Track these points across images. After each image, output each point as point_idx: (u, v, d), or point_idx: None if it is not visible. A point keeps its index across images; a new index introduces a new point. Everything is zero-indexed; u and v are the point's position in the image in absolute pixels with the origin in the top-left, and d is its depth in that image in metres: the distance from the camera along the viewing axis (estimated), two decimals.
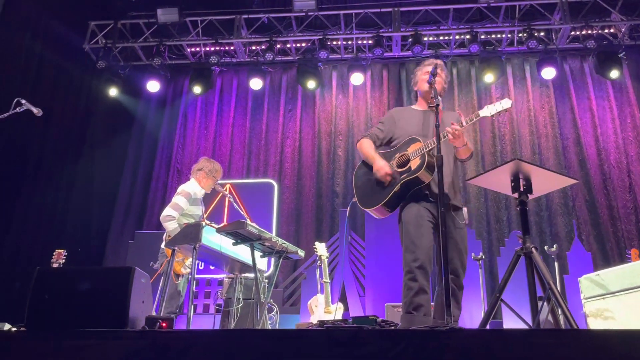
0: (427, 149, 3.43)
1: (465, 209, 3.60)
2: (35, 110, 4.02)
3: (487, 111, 3.33)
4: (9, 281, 7.72)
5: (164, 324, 2.55)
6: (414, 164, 3.49)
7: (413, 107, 3.94)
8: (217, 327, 5.50)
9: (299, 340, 2.26)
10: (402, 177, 3.52)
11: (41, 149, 8.88)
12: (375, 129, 3.92)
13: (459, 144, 3.48)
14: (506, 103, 3.27)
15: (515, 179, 3.01)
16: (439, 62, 3.67)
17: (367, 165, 3.80)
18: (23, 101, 3.96)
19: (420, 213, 3.46)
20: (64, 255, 5.33)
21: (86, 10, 9.21)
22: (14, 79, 8.95)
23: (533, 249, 2.88)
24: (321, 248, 5.96)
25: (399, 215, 3.62)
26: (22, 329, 2.57)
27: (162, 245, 5.19)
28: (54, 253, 5.35)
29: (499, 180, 3.10)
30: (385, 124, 3.90)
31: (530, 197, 3.02)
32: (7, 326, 4.00)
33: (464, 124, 3.40)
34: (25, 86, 8.90)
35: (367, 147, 3.81)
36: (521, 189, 3.00)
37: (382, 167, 3.61)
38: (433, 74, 3.46)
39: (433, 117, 3.63)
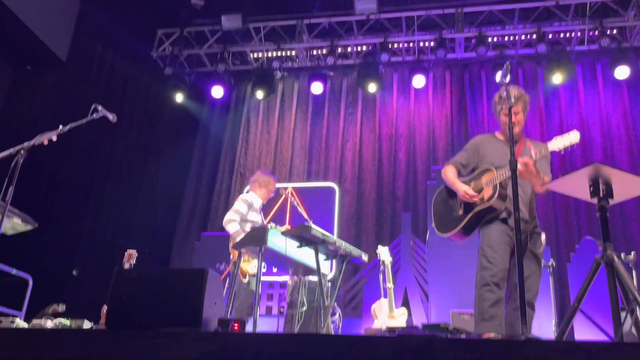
0: (499, 180, 3.53)
1: (543, 235, 3.61)
2: (110, 116, 4.19)
3: (556, 145, 3.41)
4: (83, 279, 8.09)
5: (236, 326, 2.59)
6: (486, 193, 3.61)
7: (496, 135, 3.99)
8: (280, 329, 5.55)
9: (371, 347, 2.24)
10: (475, 206, 3.66)
11: (110, 153, 9.27)
12: (459, 157, 4.00)
13: (532, 177, 3.51)
14: (574, 137, 3.34)
15: (594, 184, 2.88)
16: (519, 95, 3.58)
17: (447, 192, 3.94)
18: (100, 107, 4.13)
19: (498, 237, 3.54)
20: (135, 256, 5.53)
21: (154, 18, 9.54)
22: (86, 86, 9.40)
23: (615, 257, 2.74)
24: (384, 252, 5.91)
25: (480, 239, 3.71)
26: (100, 327, 2.67)
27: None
28: (125, 253, 5.57)
29: (577, 185, 2.98)
30: (468, 152, 3.98)
31: (611, 202, 2.88)
32: (87, 323, 4.19)
33: (534, 156, 3.45)
34: (96, 92, 9.33)
35: (450, 174, 3.90)
36: (601, 194, 2.86)
37: (466, 190, 3.70)
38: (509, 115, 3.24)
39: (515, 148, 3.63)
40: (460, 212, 3.74)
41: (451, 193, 3.89)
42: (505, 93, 3.27)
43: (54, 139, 3.93)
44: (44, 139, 3.89)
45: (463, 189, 3.72)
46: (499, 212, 3.54)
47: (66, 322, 4.21)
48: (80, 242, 8.66)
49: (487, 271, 3.44)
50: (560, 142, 3.35)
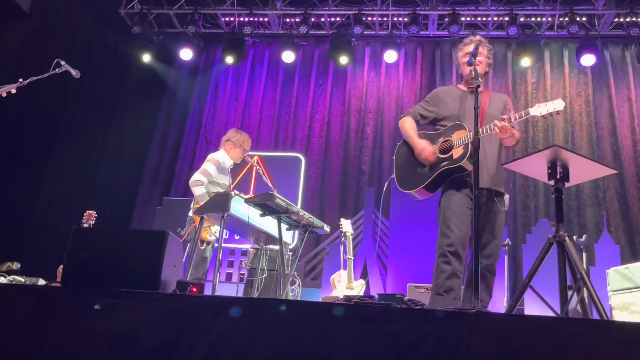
0: (472, 139, 3.37)
1: (507, 196, 3.57)
2: (73, 72, 4.08)
3: (538, 110, 3.22)
4: (40, 239, 7.93)
5: (194, 289, 2.60)
6: (456, 152, 3.47)
7: (459, 86, 3.87)
8: (240, 295, 5.58)
9: (327, 313, 2.28)
10: (442, 164, 3.50)
11: (74, 111, 9.00)
12: (420, 107, 3.86)
13: (505, 137, 3.41)
14: (559, 104, 3.15)
15: (552, 166, 2.96)
16: (480, 39, 3.61)
17: (408, 145, 3.77)
18: (62, 62, 4.01)
19: (460, 200, 3.45)
20: (94, 217, 5.45)
21: None
22: (50, 40, 9.05)
23: (566, 238, 2.84)
24: (346, 225, 5.97)
25: (439, 201, 3.62)
26: (55, 284, 2.64)
27: (190, 213, 5.26)
28: (85, 214, 5.47)
29: (535, 166, 3.06)
30: (430, 103, 3.84)
31: (567, 185, 2.97)
32: (41, 281, 4.12)
33: (512, 120, 3.32)
34: (61, 47, 9.00)
35: (408, 127, 3.77)
36: (558, 176, 2.95)
37: (424, 148, 3.59)
38: (473, 55, 3.41)
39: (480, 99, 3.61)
40: (426, 169, 3.59)
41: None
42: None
43: (13, 91, 3.81)
44: (2, 91, 3.76)
45: (420, 146, 3.61)
46: (467, 173, 3.44)
47: (21, 279, 4.14)
48: (38, 200, 8.46)
49: (445, 239, 3.38)
50: (543, 109, 3.19)
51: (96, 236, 2.64)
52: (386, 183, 5.53)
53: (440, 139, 3.61)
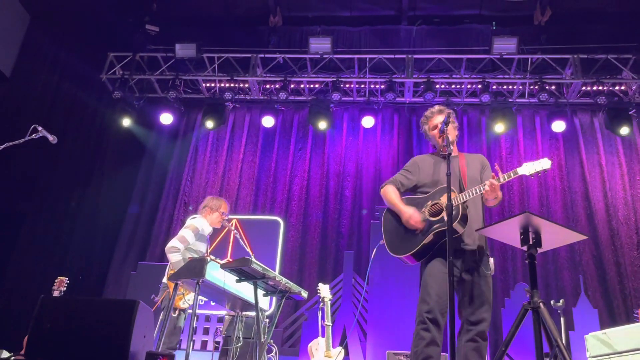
0: (462, 201, 3.47)
1: (491, 259, 3.58)
2: (50, 137, 4.08)
3: (526, 169, 3.34)
4: (9, 307, 7.67)
5: None
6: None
7: (433, 154, 3.99)
8: None
9: None
10: (435, 226, 3.51)
11: (50, 175, 8.94)
12: (400, 176, 3.92)
13: (493, 196, 3.49)
14: (546, 163, 3.28)
15: (524, 232, 2.99)
16: (441, 109, 3.76)
17: (393, 212, 3.78)
18: (39, 128, 4.02)
19: (442, 267, 3.44)
20: (66, 283, 5.31)
21: (106, 41, 9.41)
22: (29, 104, 9.10)
23: (541, 304, 2.83)
24: (324, 290, 5.89)
25: (421, 269, 3.62)
26: (19, 357, 2.53)
27: (164, 280, 5.16)
28: (56, 280, 5.34)
29: (508, 232, 3.08)
30: (409, 171, 3.91)
31: (539, 250, 3.00)
32: (5, 354, 3.95)
33: (501, 180, 3.42)
34: (40, 111, 9.06)
35: (392, 195, 3.79)
36: (530, 242, 2.97)
37: (411, 215, 3.59)
38: (446, 123, 3.52)
39: (453, 164, 3.70)
40: (418, 232, 3.58)
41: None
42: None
43: None
44: None
45: (408, 213, 3.61)
46: (458, 235, 3.45)
47: None
48: (8, 267, 8.24)
49: (424, 305, 3.36)
50: (531, 167, 3.32)
51: (64, 306, 2.56)
52: (374, 250, 5.45)
53: (429, 203, 3.63)
